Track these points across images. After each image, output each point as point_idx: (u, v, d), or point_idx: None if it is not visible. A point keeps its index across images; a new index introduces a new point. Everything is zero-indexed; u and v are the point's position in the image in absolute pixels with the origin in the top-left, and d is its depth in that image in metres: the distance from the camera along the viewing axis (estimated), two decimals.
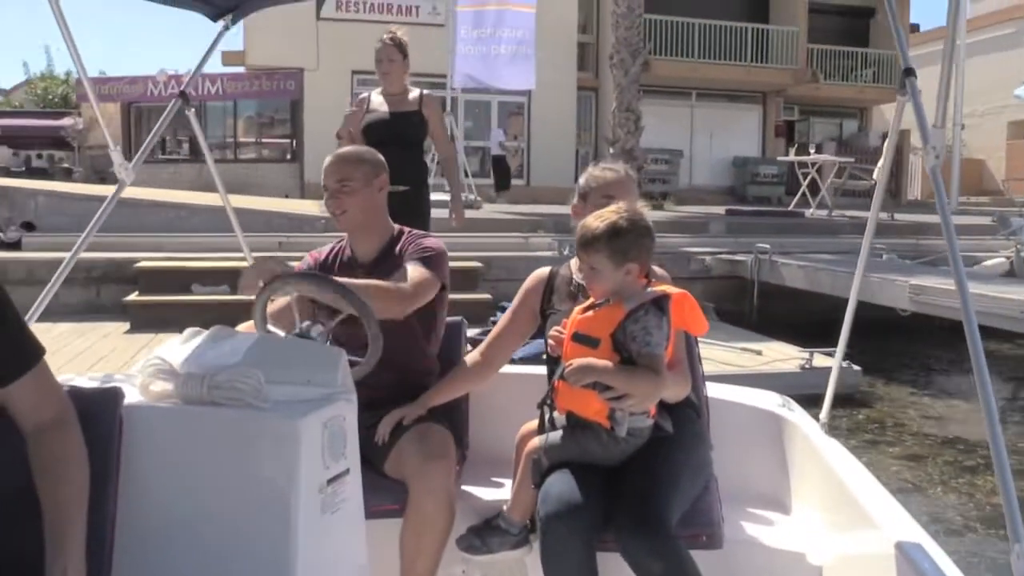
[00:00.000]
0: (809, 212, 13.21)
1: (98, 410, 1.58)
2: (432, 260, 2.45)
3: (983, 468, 5.31)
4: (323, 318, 2.33)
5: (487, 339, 2.53)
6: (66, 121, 23.91)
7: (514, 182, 18.82)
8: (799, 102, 22.72)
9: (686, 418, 2.23)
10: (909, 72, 2.14)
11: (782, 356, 6.49)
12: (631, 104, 13.55)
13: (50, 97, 30.71)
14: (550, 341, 2.23)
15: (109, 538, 1.59)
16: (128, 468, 1.61)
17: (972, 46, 23.11)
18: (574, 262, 2.40)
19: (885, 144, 2.80)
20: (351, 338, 2.15)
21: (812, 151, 15.15)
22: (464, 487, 2.51)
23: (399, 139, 4.72)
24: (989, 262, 9.80)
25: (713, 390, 2.63)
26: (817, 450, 2.44)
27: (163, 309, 7.25)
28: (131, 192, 12.12)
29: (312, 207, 11.23)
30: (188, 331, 1.81)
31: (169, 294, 7.50)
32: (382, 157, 2.61)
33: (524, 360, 3.44)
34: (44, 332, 6.92)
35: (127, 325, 7.38)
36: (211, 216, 9.80)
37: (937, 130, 2.02)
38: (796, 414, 2.70)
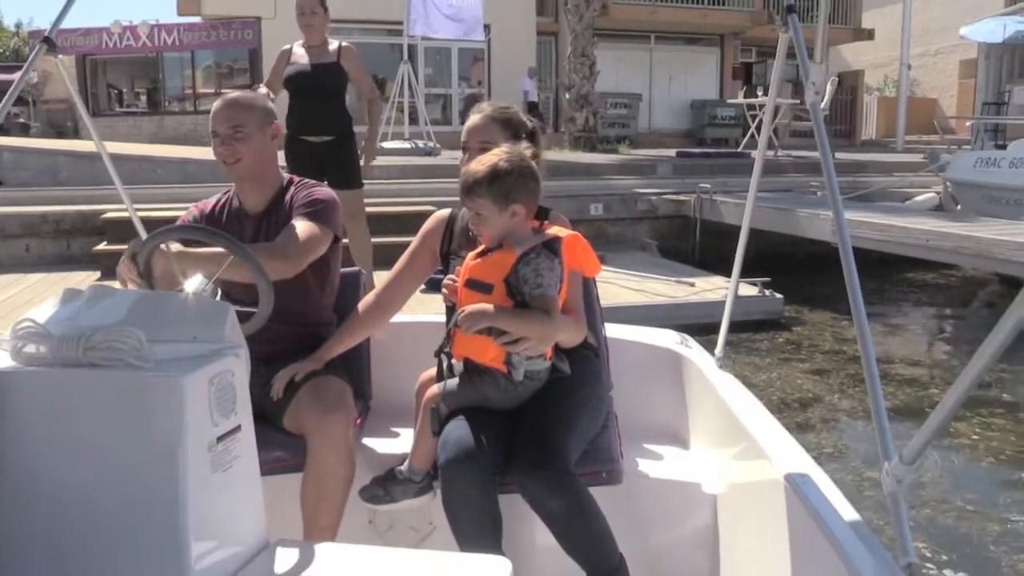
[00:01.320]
0: (755, 153, 13.74)
1: None
2: (321, 212, 2.41)
3: (880, 379, 6.02)
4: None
5: (383, 282, 2.51)
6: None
7: None
8: (756, 44, 23.03)
9: (583, 358, 2.25)
10: (791, 9, 2.23)
11: (711, 287, 7.06)
12: (585, 50, 13.89)
13: (1, 50, 30.14)
14: (444, 290, 2.24)
15: None
16: (1, 437, 1.56)
17: None
18: None
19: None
20: (243, 293, 2.12)
21: (760, 93, 15.61)
22: (367, 438, 2.52)
23: (320, 89, 5.17)
24: (920, 197, 10.44)
25: (612, 330, 2.66)
26: (712, 385, 2.53)
27: None
28: (94, 146, 12.27)
29: None
30: (65, 291, 1.75)
31: None
32: (272, 105, 2.55)
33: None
34: (16, 283, 7.35)
35: (98, 274, 7.75)
36: (174, 168, 10.11)
37: (816, 66, 2.10)
38: (693, 351, 2.78)
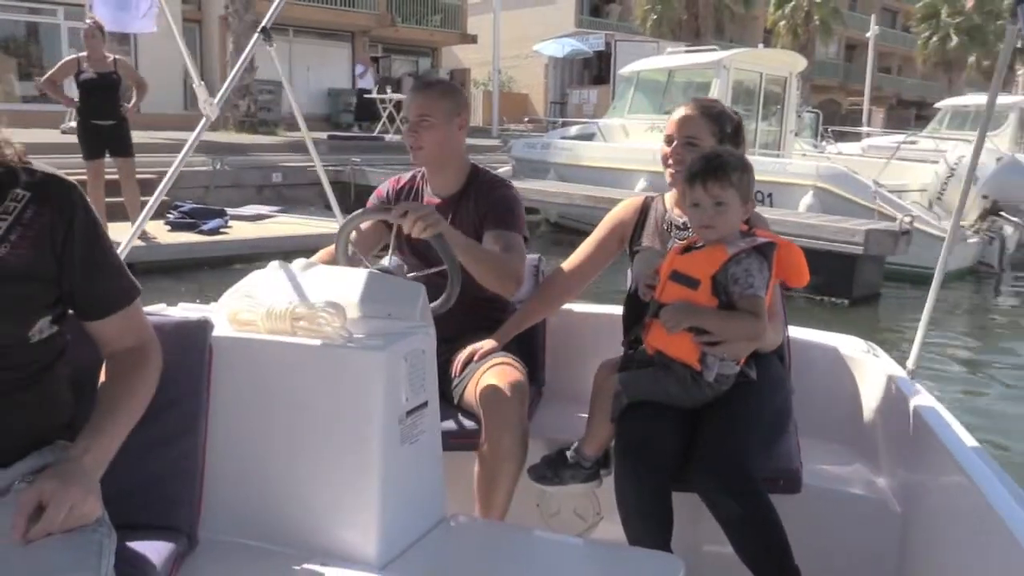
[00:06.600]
0: (388, 136, 18.71)
1: (189, 339, 1.71)
2: (520, 219, 2.56)
3: None
4: (402, 251, 2.47)
5: (568, 264, 2.60)
6: None
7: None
8: (382, 41, 28.02)
9: (769, 362, 2.29)
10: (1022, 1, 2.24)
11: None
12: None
13: None
14: (645, 289, 2.25)
15: (200, 463, 1.72)
16: (217, 396, 1.74)
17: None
18: (669, 197, 2.47)
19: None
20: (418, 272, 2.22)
21: (389, 89, 20.53)
22: (539, 421, 2.62)
23: (105, 88, 8.80)
24: (501, 169, 16.04)
25: (795, 333, 2.67)
26: (904, 397, 2.48)
27: None
28: None
29: None
30: (273, 263, 1.92)
31: None
32: (465, 96, 2.75)
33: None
34: None
35: None
36: None
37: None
38: (882, 360, 2.77)
